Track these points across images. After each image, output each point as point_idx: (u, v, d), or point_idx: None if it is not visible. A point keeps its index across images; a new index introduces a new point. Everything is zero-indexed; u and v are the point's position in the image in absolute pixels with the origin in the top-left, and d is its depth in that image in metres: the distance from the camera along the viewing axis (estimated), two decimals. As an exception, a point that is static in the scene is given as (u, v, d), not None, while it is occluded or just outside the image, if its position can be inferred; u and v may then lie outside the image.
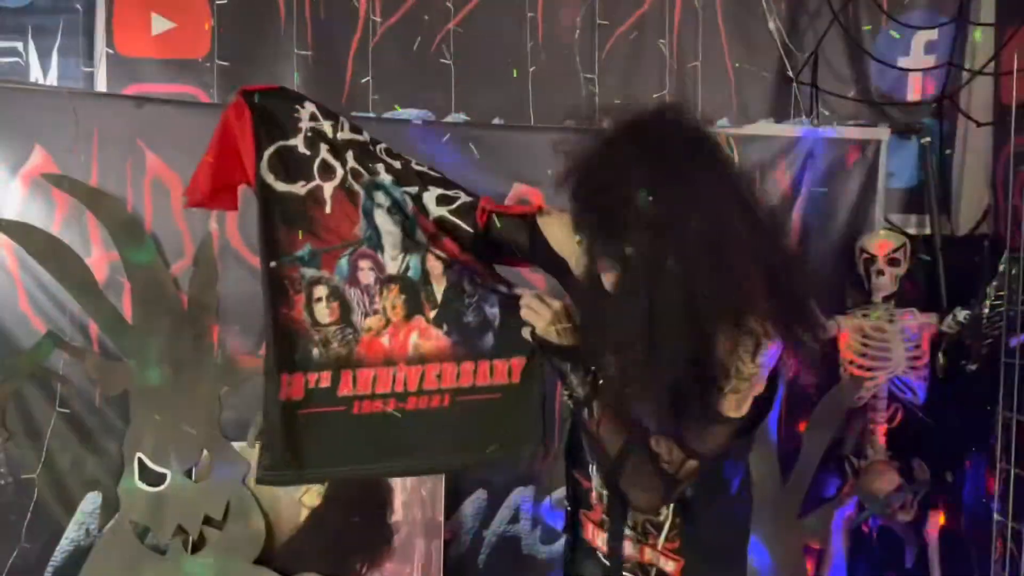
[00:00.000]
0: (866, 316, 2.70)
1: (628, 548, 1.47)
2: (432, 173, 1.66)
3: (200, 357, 2.46)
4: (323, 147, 1.62)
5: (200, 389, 2.46)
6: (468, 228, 1.60)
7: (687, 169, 1.21)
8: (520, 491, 2.69)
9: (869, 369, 2.66)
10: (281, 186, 1.60)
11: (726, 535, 1.50)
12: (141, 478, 2.44)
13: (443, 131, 2.63)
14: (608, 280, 1.29)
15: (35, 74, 2.71)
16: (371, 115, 2.77)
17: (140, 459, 2.43)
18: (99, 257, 2.45)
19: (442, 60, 2.84)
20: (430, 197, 1.62)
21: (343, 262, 1.63)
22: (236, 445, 2.49)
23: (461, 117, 2.83)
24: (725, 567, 1.51)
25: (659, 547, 1.44)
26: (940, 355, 2.65)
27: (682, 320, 1.19)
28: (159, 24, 2.73)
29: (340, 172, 1.62)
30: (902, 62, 2.93)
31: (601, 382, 1.39)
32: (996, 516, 2.47)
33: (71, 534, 2.48)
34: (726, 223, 1.20)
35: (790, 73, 2.93)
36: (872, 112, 2.96)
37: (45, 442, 2.43)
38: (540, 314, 1.42)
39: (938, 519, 2.60)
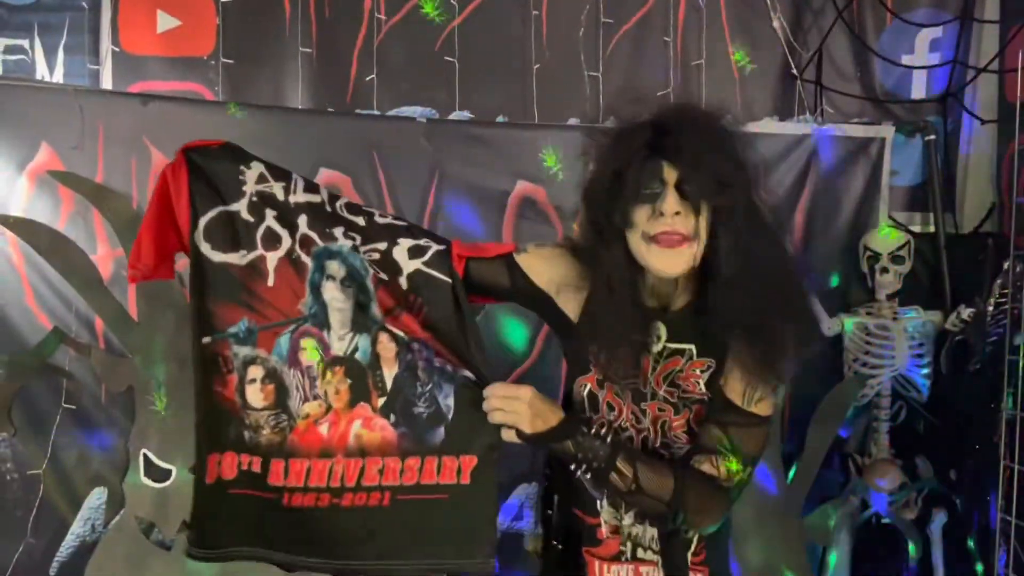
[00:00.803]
0: (870, 314, 2.70)
1: (651, 573, 1.42)
2: (399, 223, 1.52)
3: (205, 354, 2.47)
4: (270, 213, 1.46)
5: (205, 385, 2.47)
6: (445, 278, 1.45)
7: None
8: (524, 487, 2.69)
9: (873, 367, 2.66)
10: (218, 256, 1.45)
11: (728, 539, 1.51)
12: (146, 474, 2.45)
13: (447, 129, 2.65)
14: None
15: (41, 71, 2.73)
16: (375, 112, 2.78)
17: (145, 455, 2.44)
18: (104, 254, 2.47)
19: (446, 58, 2.84)
20: (400, 251, 1.47)
21: (283, 340, 1.48)
22: (240, 441, 2.50)
23: (465, 115, 2.84)
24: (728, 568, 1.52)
25: (688, 562, 1.42)
26: (944, 353, 2.65)
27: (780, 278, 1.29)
28: (165, 22, 2.74)
29: (287, 241, 1.47)
30: (906, 59, 2.93)
31: (611, 439, 1.34)
32: (1000, 514, 2.47)
33: (77, 530, 2.49)
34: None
35: (794, 71, 2.92)
36: (876, 110, 2.96)
37: (51, 438, 2.45)
38: (518, 412, 1.34)
39: (942, 517, 2.59)
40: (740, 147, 1.30)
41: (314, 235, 1.47)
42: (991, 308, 2.49)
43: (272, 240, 1.47)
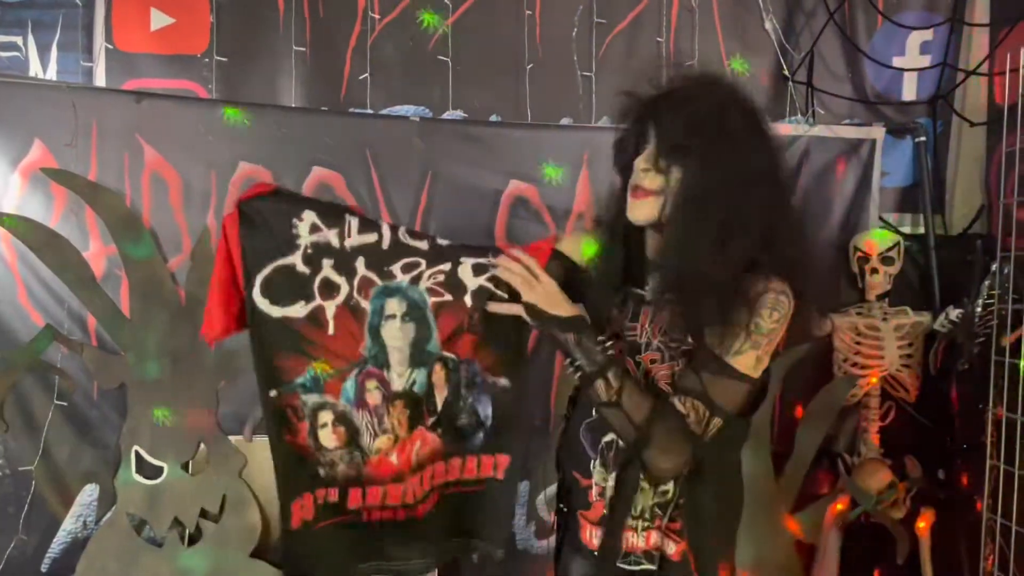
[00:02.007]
0: (860, 314, 2.72)
1: (631, 539, 1.45)
2: (458, 245, 1.58)
3: (197, 351, 2.48)
4: (326, 262, 1.51)
5: (197, 383, 2.48)
6: (503, 294, 1.52)
7: (748, 121, 1.38)
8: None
9: (862, 367, 2.68)
10: (277, 311, 1.48)
11: (722, 516, 1.51)
12: (138, 471, 2.45)
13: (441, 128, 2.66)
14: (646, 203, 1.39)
15: (34, 68, 2.73)
16: (369, 111, 2.79)
17: (137, 452, 2.45)
18: (97, 251, 2.47)
19: (440, 57, 2.85)
20: (465, 269, 1.54)
21: (348, 385, 1.54)
22: (233, 439, 2.50)
23: (458, 114, 2.85)
24: (720, 548, 1.52)
25: (663, 527, 1.44)
26: (933, 353, 2.66)
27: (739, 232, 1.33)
28: (158, 19, 2.74)
29: (345, 288, 1.52)
30: (897, 62, 2.94)
31: (611, 352, 1.40)
32: (987, 513, 2.49)
33: (68, 526, 2.50)
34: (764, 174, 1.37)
35: (786, 72, 2.94)
36: (867, 111, 2.97)
37: (43, 435, 2.46)
38: (526, 282, 1.45)
39: (930, 516, 2.61)
40: (733, 117, 1.36)
41: (372, 275, 1.53)
42: (979, 309, 2.51)
43: (330, 289, 1.51)
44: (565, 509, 1.58)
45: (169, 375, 2.46)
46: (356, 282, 1.52)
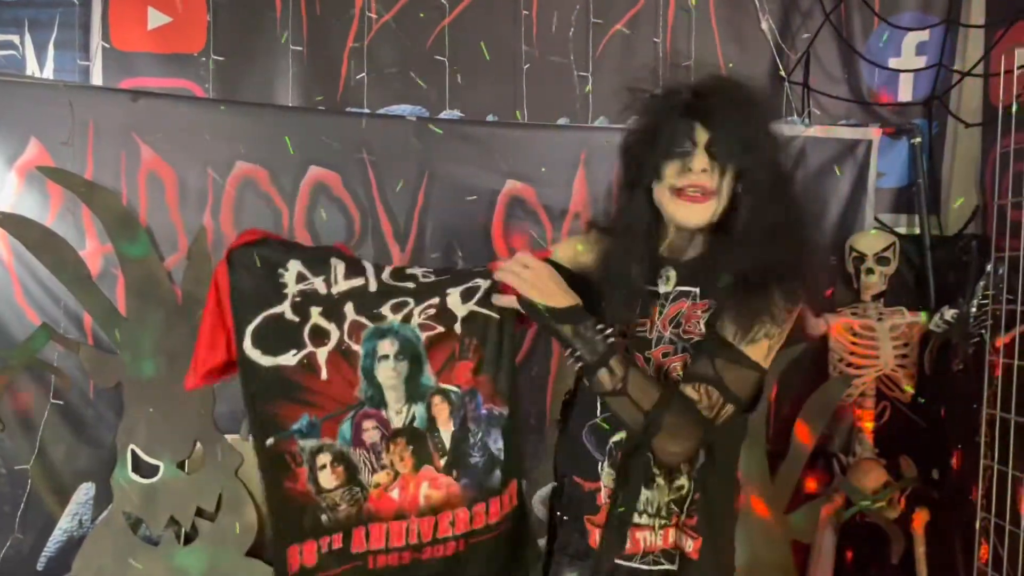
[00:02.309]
0: (855, 314, 2.73)
1: (648, 538, 1.44)
2: (444, 276, 1.58)
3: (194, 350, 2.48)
4: (314, 310, 1.51)
5: (194, 382, 2.48)
6: (494, 314, 1.51)
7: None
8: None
9: (858, 367, 2.69)
10: (268, 360, 1.48)
11: (730, 512, 1.52)
12: (134, 470, 2.46)
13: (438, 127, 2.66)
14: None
15: (31, 67, 2.73)
16: (366, 111, 2.79)
17: (133, 451, 2.45)
18: (93, 250, 2.47)
19: (437, 57, 2.85)
20: (454, 300, 1.53)
21: (345, 427, 1.53)
22: (229, 437, 2.51)
23: (455, 114, 2.85)
24: (729, 545, 1.53)
25: (681, 524, 1.44)
26: (927, 353, 2.67)
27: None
28: (155, 19, 2.74)
29: (335, 334, 1.51)
30: (893, 63, 2.95)
31: (612, 340, 1.39)
32: (980, 513, 2.50)
33: (64, 525, 2.50)
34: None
35: (782, 73, 2.95)
36: (863, 112, 2.98)
37: (39, 433, 2.46)
38: (521, 277, 1.42)
39: (924, 515, 2.62)
40: (767, 117, 1.42)
41: (362, 319, 1.52)
42: (974, 309, 2.52)
43: (320, 335, 1.51)
44: (564, 517, 1.56)
45: (165, 374, 2.46)
46: (346, 327, 1.52)
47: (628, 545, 1.45)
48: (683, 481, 1.43)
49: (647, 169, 1.44)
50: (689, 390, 1.36)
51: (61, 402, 2.48)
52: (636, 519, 1.44)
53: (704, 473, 1.43)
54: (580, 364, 1.40)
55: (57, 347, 2.45)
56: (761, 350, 1.37)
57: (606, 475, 1.47)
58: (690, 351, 1.42)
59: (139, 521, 2.48)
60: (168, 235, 2.51)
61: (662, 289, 1.47)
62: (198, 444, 2.49)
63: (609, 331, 1.41)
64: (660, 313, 1.46)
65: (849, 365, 2.70)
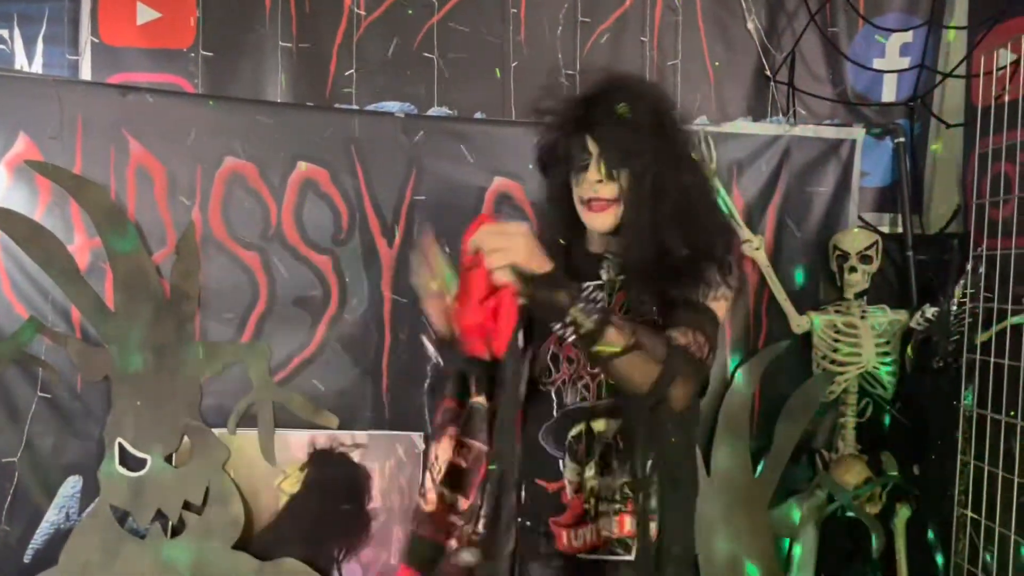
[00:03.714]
0: (839, 312, 2.75)
1: (605, 527, 1.43)
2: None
3: (182, 344, 2.49)
4: None
5: (181, 376, 2.50)
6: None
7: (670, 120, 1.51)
8: (496, 479, 2.71)
9: (840, 364, 2.72)
10: None
11: (689, 494, 1.54)
12: (121, 463, 2.47)
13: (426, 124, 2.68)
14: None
15: (20, 62, 2.74)
16: (354, 108, 2.80)
17: (121, 444, 2.46)
18: (82, 244, 2.48)
19: (425, 54, 2.87)
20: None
21: None
22: (217, 431, 2.52)
23: (444, 111, 2.87)
24: (689, 527, 1.54)
25: (637, 509, 1.43)
26: (909, 351, 2.70)
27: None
28: (144, 14, 2.75)
29: None
30: (877, 63, 2.98)
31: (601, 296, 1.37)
32: (959, 509, 2.53)
33: (51, 517, 2.51)
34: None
35: (768, 72, 2.97)
36: (847, 112, 3.01)
37: (26, 426, 2.46)
38: (517, 248, 1.28)
39: (905, 511, 2.65)
40: (657, 112, 1.48)
41: None
42: (955, 307, 2.55)
43: None
44: (527, 523, 1.54)
45: (153, 368, 2.47)
46: None
47: (590, 539, 1.46)
48: (638, 464, 1.43)
49: (559, 181, 1.55)
50: (678, 335, 1.38)
51: (49, 395, 2.48)
52: (604, 508, 1.45)
53: (662, 455, 1.44)
54: (581, 331, 1.30)
55: (45, 341, 2.46)
56: (722, 306, 1.48)
57: (569, 470, 1.48)
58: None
59: (126, 514, 2.49)
60: (156, 230, 2.51)
61: (605, 277, 1.53)
62: (186, 438, 2.50)
63: (592, 286, 1.36)
64: (608, 303, 1.46)
65: (832, 362, 2.72)
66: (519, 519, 1.54)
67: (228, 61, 2.79)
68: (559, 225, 1.58)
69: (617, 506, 1.45)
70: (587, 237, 1.59)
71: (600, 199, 1.48)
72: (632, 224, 1.47)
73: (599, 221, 1.50)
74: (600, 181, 1.46)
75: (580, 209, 1.53)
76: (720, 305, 1.47)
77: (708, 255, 1.46)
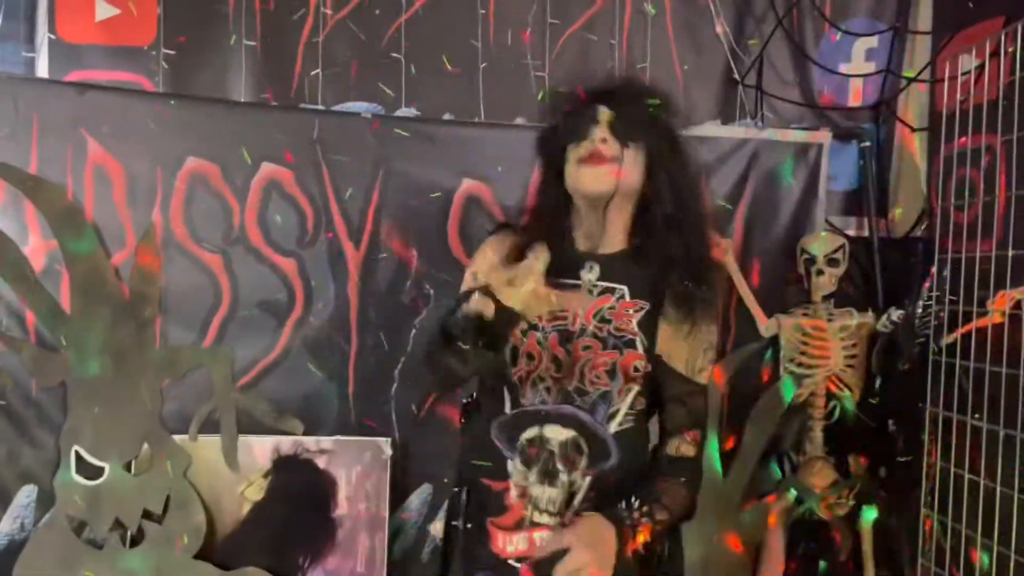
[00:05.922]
0: (806, 315, 2.76)
1: (544, 538, 1.42)
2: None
3: (142, 348, 2.43)
4: None
5: (141, 381, 2.43)
6: None
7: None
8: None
9: (808, 367, 2.73)
10: None
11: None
12: (78, 471, 2.40)
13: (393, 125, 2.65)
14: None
15: (-26, 59, 2.66)
16: (320, 108, 2.76)
17: (77, 452, 2.40)
18: (37, 246, 2.42)
19: (393, 54, 2.84)
20: None
21: None
22: (178, 438, 2.46)
23: (411, 112, 2.84)
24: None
25: (567, 523, 1.42)
26: (875, 354, 2.72)
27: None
28: (103, 10, 2.69)
29: None
30: (844, 68, 3.01)
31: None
32: (924, 510, 2.55)
33: (5, 528, 2.45)
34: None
35: (736, 76, 2.98)
36: (815, 116, 3.03)
37: (-22, 434, 2.39)
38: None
39: (872, 513, 2.67)
40: (672, 114, 1.57)
41: None
42: (919, 310, 2.57)
43: None
44: (468, 526, 1.53)
45: (111, 373, 2.41)
46: None
47: (524, 547, 1.46)
48: (576, 476, 1.45)
49: (557, 153, 1.54)
50: (684, 447, 1.49)
51: (3, 402, 2.42)
52: (537, 517, 1.45)
53: (606, 472, 1.46)
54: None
55: (-2, 346, 2.39)
56: (706, 376, 1.53)
57: (517, 472, 1.47)
58: (620, 350, 1.47)
59: (83, 524, 2.42)
60: (115, 231, 2.46)
61: (585, 278, 1.51)
62: (145, 445, 2.44)
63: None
64: (583, 306, 1.49)
65: (800, 365, 2.73)
66: (454, 523, 1.56)
67: (190, 59, 2.74)
68: (547, 208, 1.58)
69: (554, 519, 1.44)
70: (575, 235, 1.58)
71: (598, 151, 1.47)
72: (657, 205, 1.52)
73: (594, 177, 1.48)
74: (604, 140, 1.47)
75: (574, 174, 1.51)
76: (705, 377, 1.53)
77: (696, 253, 1.51)
